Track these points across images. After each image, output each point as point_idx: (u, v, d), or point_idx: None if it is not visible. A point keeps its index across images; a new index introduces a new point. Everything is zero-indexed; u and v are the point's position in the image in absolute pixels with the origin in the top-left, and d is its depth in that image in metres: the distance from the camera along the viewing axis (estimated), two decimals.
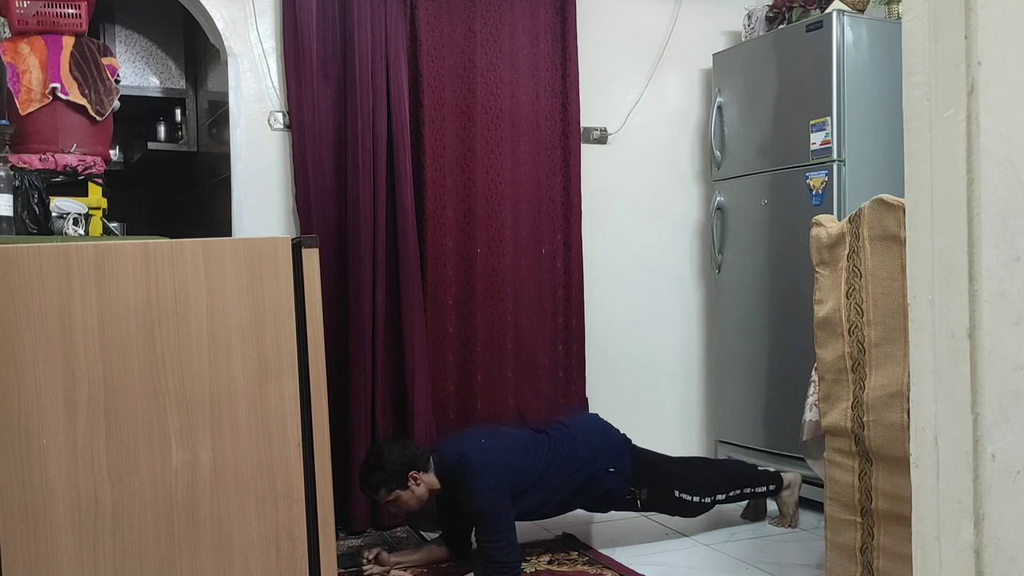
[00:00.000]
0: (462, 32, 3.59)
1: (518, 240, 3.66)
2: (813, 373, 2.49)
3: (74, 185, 2.99)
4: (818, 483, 2.83)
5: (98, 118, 3.04)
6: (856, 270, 2.24)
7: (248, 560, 1.82)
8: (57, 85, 2.95)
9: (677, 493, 3.07)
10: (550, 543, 3.16)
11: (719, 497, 3.15)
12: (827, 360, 2.33)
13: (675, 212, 4.14)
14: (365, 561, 2.86)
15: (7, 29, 3.04)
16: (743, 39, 3.97)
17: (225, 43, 3.41)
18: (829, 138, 3.39)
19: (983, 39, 0.82)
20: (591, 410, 3.73)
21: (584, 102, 3.84)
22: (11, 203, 2.75)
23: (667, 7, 4.11)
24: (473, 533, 2.91)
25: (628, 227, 4.05)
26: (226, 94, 3.44)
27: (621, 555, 3.02)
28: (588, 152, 3.91)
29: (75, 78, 3.00)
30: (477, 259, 3.58)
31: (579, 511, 3.10)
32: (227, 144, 3.47)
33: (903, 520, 2.08)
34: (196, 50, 4.53)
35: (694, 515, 3.17)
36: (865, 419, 2.21)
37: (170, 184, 5.06)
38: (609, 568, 2.90)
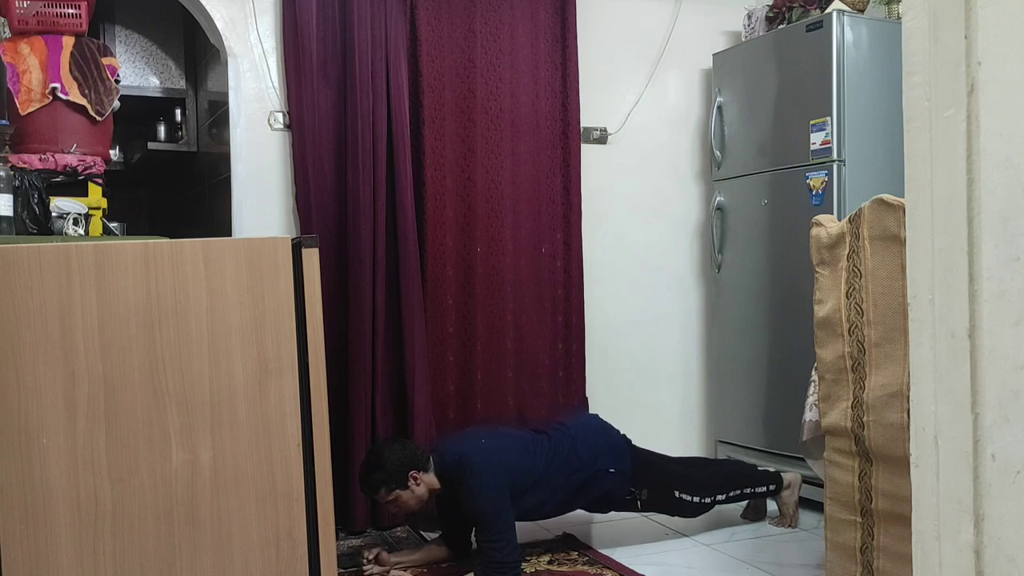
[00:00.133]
0: (462, 32, 3.59)
1: (518, 240, 3.66)
2: (813, 373, 2.49)
3: (74, 185, 2.99)
4: (818, 483, 2.83)
5: (98, 118, 3.04)
6: (856, 270, 2.24)
7: (248, 560, 1.82)
8: (57, 85, 2.95)
9: (677, 493, 3.07)
10: (550, 543, 3.16)
11: (719, 497, 3.15)
12: (827, 360, 2.33)
13: (675, 212, 4.14)
14: (365, 561, 2.86)
15: (7, 29, 3.04)
16: (743, 39, 3.97)
17: (225, 43, 3.41)
18: (829, 138, 3.39)
19: (983, 39, 0.82)
20: (591, 410, 3.73)
21: (584, 102, 3.84)
22: (11, 203, 2.75)
23: (667, 7, 4.11)
24: (473, 533, 2.91)
25: (628, 227, 4.05)
26: (226, 94, 3.44)
27: (621, 555, 3.02)
28: (588, 152, 3.91)
29: (75, 78, 3.00)
30: (477, 259, 3.58)
31: (579, 511, 3.10)
32: (227, 144, 3.47)
33: (903, 520, 2.08)
34: (196, 50, 4.53)
35: (694, 515, 3.17)
36: (865, 419, 2.21)
37: (170, 184, 5.06)
38: (609, 568, 2.90)
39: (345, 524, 3.28)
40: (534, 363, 3.68)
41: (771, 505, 3.41)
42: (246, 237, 3.26)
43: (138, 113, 4.41)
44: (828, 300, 2.32)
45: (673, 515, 3.18)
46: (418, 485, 2.80)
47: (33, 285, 1.70)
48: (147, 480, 1.76)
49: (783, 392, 3.59)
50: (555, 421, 3.24)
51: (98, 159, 3.06)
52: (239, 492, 1.81)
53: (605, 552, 3.06)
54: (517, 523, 2.79)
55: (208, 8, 3.39)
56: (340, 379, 3.30)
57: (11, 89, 2.93)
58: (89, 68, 3.03)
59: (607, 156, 4.01)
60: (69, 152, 2.98)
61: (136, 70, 4.54)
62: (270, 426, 1.83)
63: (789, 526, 3.29)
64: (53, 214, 2.87)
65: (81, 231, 2.90)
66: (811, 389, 2.51)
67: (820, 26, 3.45)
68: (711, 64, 4.02)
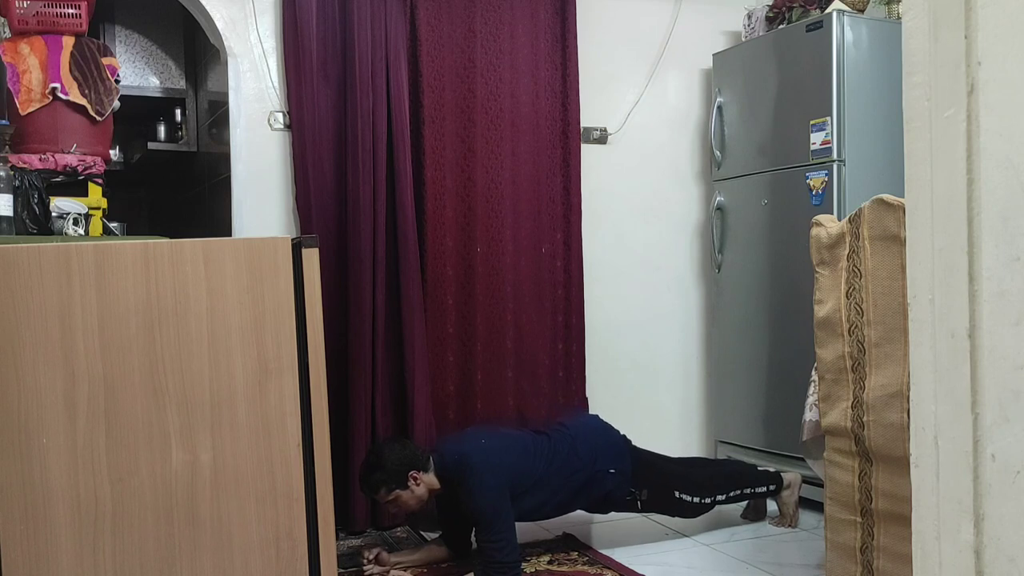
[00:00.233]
0: (462, 32, 3.59)
1: (518, 240, 3.66)
2: (813, 373, 2.49)
3: (74, 185, 2.98)
4: (818, 483, 2.83)
5: (98, 118, 3.04)
6: (856, 270, 2.24)
7: (248, 560, 1.82)
8: (57, 85, 2.95)
9: (677, 494, 3.07)
10: (550, 543, 3.16)
11: (719, 497, 3.15)
12: (827, 360, 2.33)
13: (675, 212, 4.14)
14: (365, 561, 2.86)
15: (7, 29, 3.04)
16: (743, 39, 3.97)
17: (225, 43, 3.41)
18: (829, 138, 3.39)
19: (983, 39, 0.82)
20: (591, 410, 3.73)
21: (584, 102, 3.84)
22: (11, 203, 2.75)
23: (667, 7, 4.11)
24: (473, 533, 2.91)
25: (628, 227, 4.05)
26: (226, 94, 3.44)
27: (621, 555, 3.02)
28: (588, 152, 3.91)
29: (75, 78, 3.00)
30: (477, 259, 3.58)
31: (579, 511, 3.10)
32: (227, 144, 3.47)
33: (903, 520, 2.08)
34: (196, 50, 4.53)
35: (694, 515, 3.17)
36: (865, 419, 2.21)
37: (170, 184, 5.06)
38: (609, 568, 2.90)
39: (345, 524, 3.28)
40: (534, 363, 3.68)
41: (771, 505, 3.41)
42: (246, 237, 3.26)
43: (138, 113, 4.41)
44: (828, 300, 2.32)
45: (673, 515, 3.18)
46: (418, 485, 2.80)
47: (33, 285, 1.70)
48: (147, 480, 1.75)
49: (783, 392, 3.59)
50: (555, 421, 3.24)
51: (98, 159, 3.06)
52: (239, 492, 1.81)
53: (605, 552, 3.06)
54: (517, 523, 2.79)
55: (208, 8, 3.39)
56: (340, 379, 3.30)
57: (11, 89, 2.93)
58: (89, 68, 3.03)
59: (607, 156, 4.01)
60: (69, 152, 2.98)
61: (136, 70, 4.54)
62: (270, 426, 1.83)
63: (789, 526, 3.29)
64: (53, 214, 2.87)
65: (81, 231, 2.90)
66: (811, 389, 2.51)
67: (820, 26, 3.45)
68: (711, 64, 4.02)
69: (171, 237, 1.95)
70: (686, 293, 4.16)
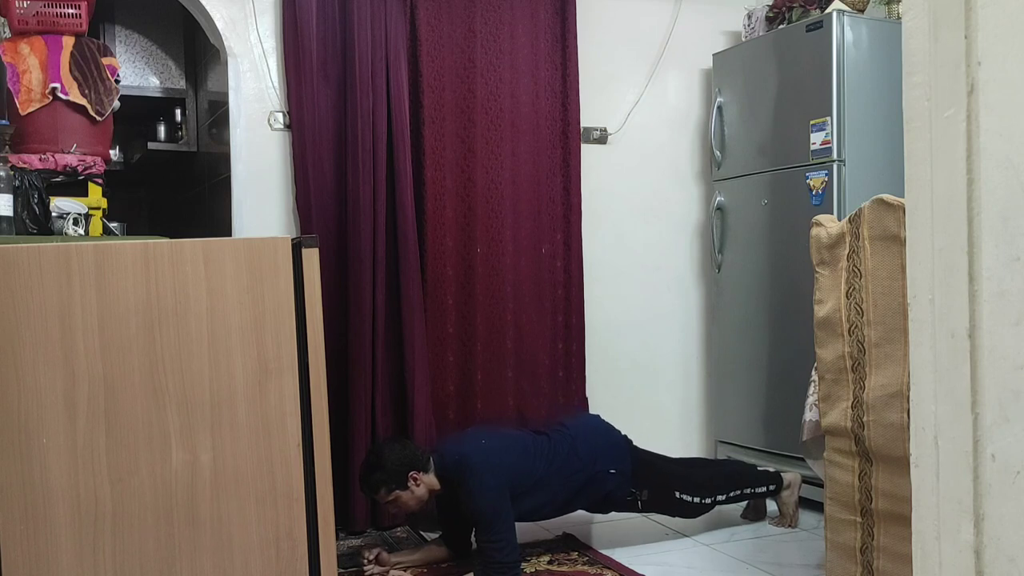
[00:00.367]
0: (462, 32, 3.59)
1: (518, 240, 3.66)
2: (813, 373, 2.49)
3: (74, 185, 2.98)
4: (818, 483, 2.83)
5: (98, 118, 3.04)
6: (856, 270, 2.24)
7: (248, 560, 1.82)
8: (57, 85, 2.95)
9: (677, 494, 3.07)
10: (550, 543, 3.16)
11: (719, 498, 3.15)
12: (827, 360, 2.33)
13: (675, 212, 4.14)
14: (365, 561, 2.86)
15: (7, 29, 3.04)
16: (743, 39, 3.97)
17: (225, 43, 3.41)
18: (829, 138, 3.39)
19: (983, 39, 0.82)
20: (591, 410, 3.73)
21: (584, 102, 3.84)
22: (11, 203, 2.75)
23: (667, 7, 4.11)
24: (473, 533, 2.91)
25: (628, 227, 4.05)
26: (226, 94, 3.44)
27: (621, 555, 3.02)
28: (588, 152, 3.91)
29: (75, 78, 3.00)
30: (477, 259, 3.58)
31: (579, 511, 3.10)
32: (227, 144, 3.47)
33: (903, 520, 2.08)
34: (196, 50, 4.53)
35: (694, 516, 3.17)
36: (865, 419, 2.21)
37: (170, 184, 5.06)
38: (609, 568, 2.90)
39: (345, 524, 3.28)
40: (534, 363, 3.67)
41: (771, 505, 3.41)
42: (246, 237, 3.26)
43: (138, 113, 4.41)
44: (828, 300, 2.32)
45: (673, 515, 3.18)
46: (418, 485, 2.80)
47: (33, 285, 1.70)
48: (147, 480, 1.75)
49: (783, 392, 3.59)
50: (555, 422, 3.24)
51: (98, 159, 3.06)
52: (239, 492, 1.81)
53: (605, 552, 3.06)
54: (517, 523, 2.79)
55: (208, 8, 3.39)
56: (340, 379, 3.30)
57: (11, 89, 2.93)
58: (89, 68, 3.03)
59: (607, 156, 4.01)
60: (69, 152, 2.98)
61: (136, 70, 4.54)
62: (270, 426, 1.83)
63: (789, 526, 3.29)
64: (53, 214, 2.87)
65: (81, 231, 2.90)
66: (811, 389, 2.51)
67: (820, 26, 3.45)
68: (711, 64, 4.02)
69: (171, 237, 1.95)
70: (686, 293, 4.16)
